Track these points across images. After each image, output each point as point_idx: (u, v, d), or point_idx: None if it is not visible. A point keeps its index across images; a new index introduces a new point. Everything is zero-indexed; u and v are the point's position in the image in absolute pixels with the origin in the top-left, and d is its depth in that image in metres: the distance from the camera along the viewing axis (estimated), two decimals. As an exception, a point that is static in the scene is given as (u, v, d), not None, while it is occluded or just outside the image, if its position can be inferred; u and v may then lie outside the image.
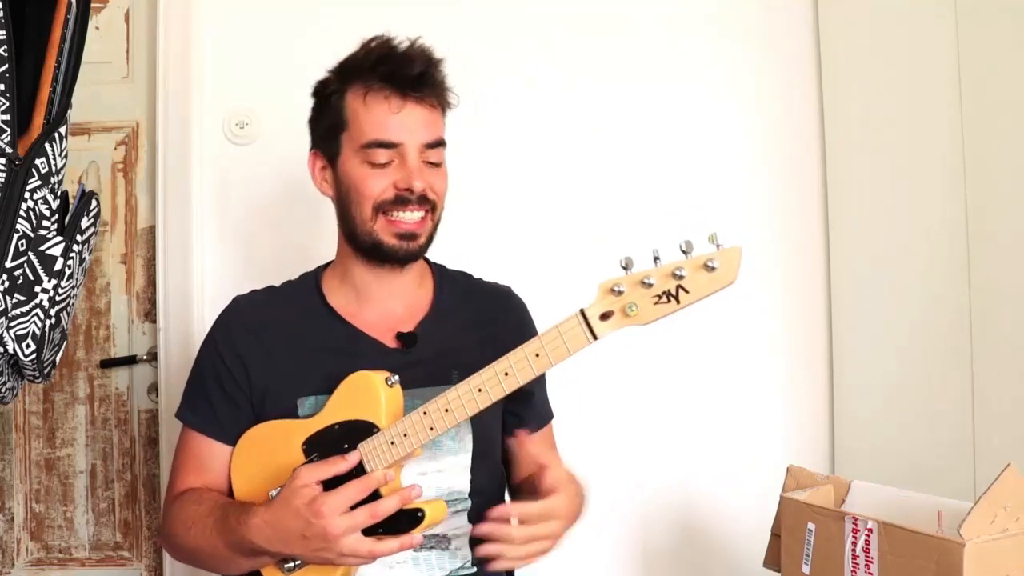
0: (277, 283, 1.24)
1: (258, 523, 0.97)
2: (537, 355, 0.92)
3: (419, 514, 0.98)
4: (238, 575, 1.06)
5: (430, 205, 1.09)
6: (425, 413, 0.97)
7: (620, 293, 0.88)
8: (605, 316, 0.89)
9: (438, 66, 1.10)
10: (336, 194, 1.12)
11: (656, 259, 0.88)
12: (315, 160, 1.14)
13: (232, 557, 1.02)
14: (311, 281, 1.20)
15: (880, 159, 1.65)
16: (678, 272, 0.86)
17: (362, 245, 1.10)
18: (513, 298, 1.26)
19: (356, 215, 1.09)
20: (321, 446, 1.03)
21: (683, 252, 0.86)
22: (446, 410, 0.96)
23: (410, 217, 1.07)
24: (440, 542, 1.10)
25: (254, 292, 1.22)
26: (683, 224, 1.77)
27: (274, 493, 1.02)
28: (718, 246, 0.86)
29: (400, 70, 1.06)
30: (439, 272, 1.23)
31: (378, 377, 1.02)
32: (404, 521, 0.97)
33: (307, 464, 1.00)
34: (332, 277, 1.18)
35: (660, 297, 0.87)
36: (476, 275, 1.27)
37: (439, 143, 1.10)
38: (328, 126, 1.11)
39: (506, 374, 0.93)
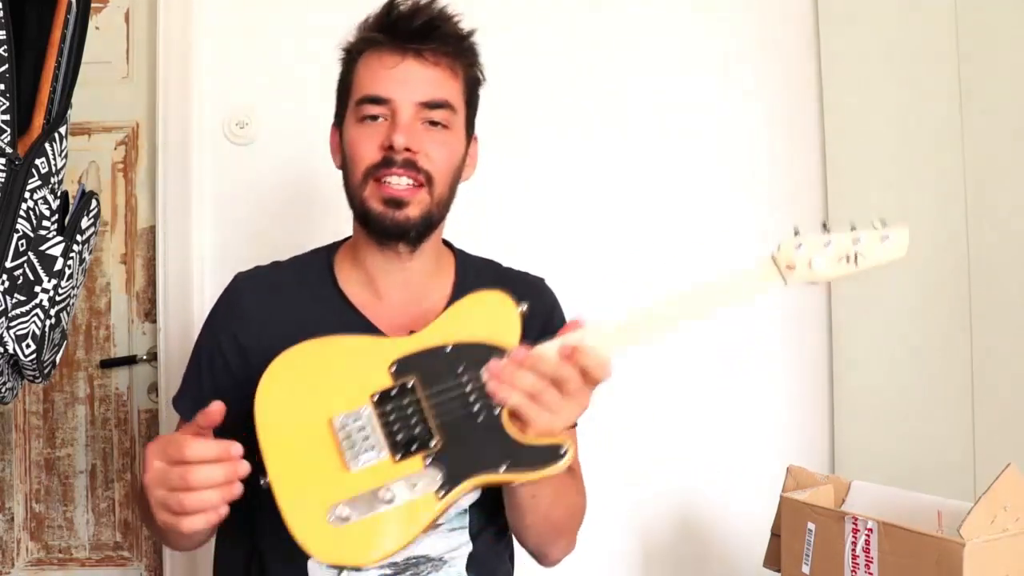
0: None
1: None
2: (726, 293, 0.89)
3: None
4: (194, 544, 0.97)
5: (423, 175, 0.97)
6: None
7: (803, 246, 0.90)
8: (790, 267, 0.91)
9: (451, 23, 1.00)
10: (342, 164, 1.04)
11: (826, 228, 0.91)
12: (333, 134, 1.07)
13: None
14: (323, 261, 1.08)
15: (880, 159, 1.64)
16: (856, 239, 0.89)
17: (356, 214, 1.02)
18: (544, 291, 1.14)
19: (351, 181, 1.00)
20: (422, 369, 0.84)
21: (852, 228, 0.90)
22: (610, 335, 0.85)
23: (397, 182, 0.96)
24: (435, 567, 0.98)
25: (258, 270, 1.09)
26: (682, 223, 1.78)
27: (265, 482, 0.82)
28: (884, 224, 0.90)
29: (400, 22, 0.97)
30: (461, 261, 1.11)
31: (511, 299, 0.88)
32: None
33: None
34: (345, 258, 1.07)
35: (841, 259, 0.90)
36: (505, 264, 1.15)
37: (441, 104, 0.98)
38: (340, 91, 1.05)
39: (687, 308, 0.87)
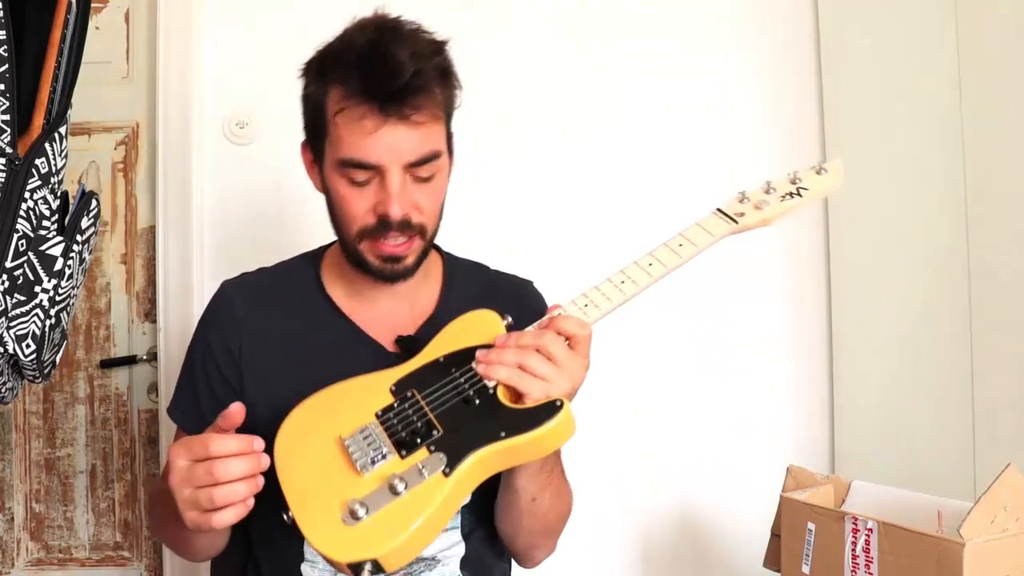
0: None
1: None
2: (680, 245, 0.93)
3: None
4: (210, 554, 1.02)
5: (416, 230, 0.96)
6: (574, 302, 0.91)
7: (747, 199, 0.97)
8: (739, 214, 0.96)
9: (433, 67, 0.93)
10: (325, 195, 1.02)
11: (768, 184, 0.98)
12: (305, 152, 1.04)
13: (176, 524, 0.85)
14: (310, 266, 1.09)
15: (880, 158, 1.64)
16: (795, 179, 0.97)
17: (350, 258, 1.01)
18: (532, 293, 1.14)
19: (343, 231, 0.99)
20: (419, 381, 0.90)
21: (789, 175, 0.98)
22: (585, 306, 0.90)
23: (393, 242, 0.96)
24: (428, 566, 0.99)
25: (244, 277, 1.10)
26: (682, 223, 1.77)
27: (289, 517, 0.84)
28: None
29: (382, 81, 0.89)
30: (450, 265, 1.11)
31: (495, 313, 0.94)
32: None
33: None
34: (332, 265, 1.08)
35: (785, 196, 0.97)
36: (493, 267, 1.16)
37: (428, 158, 0.94)
38: (311, 122, 1.00)
39: (650, 264, 0.92)
